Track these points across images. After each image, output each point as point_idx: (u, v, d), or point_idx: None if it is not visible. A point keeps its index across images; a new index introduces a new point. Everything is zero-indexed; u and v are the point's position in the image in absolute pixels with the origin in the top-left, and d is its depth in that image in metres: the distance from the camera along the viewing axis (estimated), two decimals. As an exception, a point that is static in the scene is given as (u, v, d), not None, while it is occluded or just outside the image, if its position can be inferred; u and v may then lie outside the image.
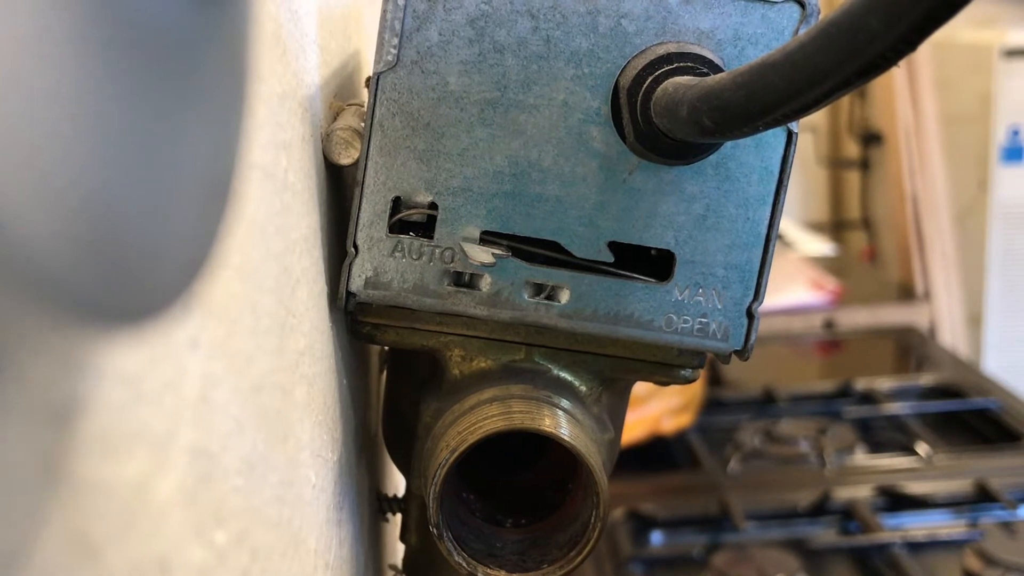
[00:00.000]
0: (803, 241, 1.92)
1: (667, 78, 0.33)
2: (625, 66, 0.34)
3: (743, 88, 0.28)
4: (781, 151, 0.35)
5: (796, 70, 0.25)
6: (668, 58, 0.33)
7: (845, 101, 2.02)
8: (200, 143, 0.12)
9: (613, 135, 0.34)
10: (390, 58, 0.34)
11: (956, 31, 1.76)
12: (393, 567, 0.46)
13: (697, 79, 0.32)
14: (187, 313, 0.19)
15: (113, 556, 0.16)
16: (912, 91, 1.68)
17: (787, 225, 1.98)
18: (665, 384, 0.39)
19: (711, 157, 0.35)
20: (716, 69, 0.33)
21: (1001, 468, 1.14)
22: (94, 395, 0.15)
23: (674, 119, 0.31)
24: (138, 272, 0.11)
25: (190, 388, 0.19)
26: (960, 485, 1.11)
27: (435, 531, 0.35)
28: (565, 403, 0.37)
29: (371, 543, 0.46)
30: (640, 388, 1.18)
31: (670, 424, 1.23)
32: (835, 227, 2.16)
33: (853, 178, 2.09)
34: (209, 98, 0.13)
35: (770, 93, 0.26)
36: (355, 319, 0.37)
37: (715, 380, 1.42)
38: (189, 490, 0.19)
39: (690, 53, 0.33)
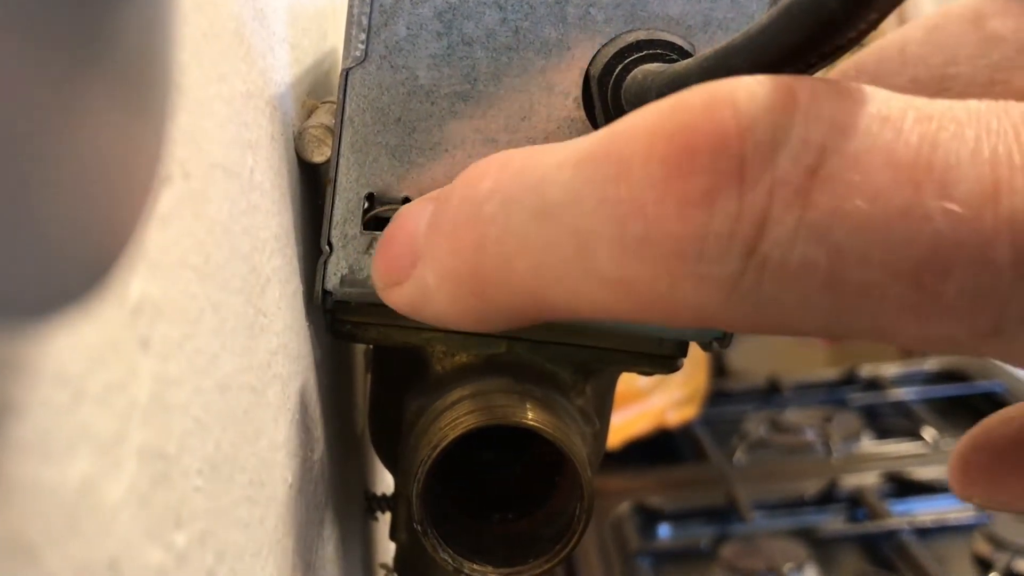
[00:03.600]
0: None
1: (637, 66, 0.33)
2: (595, 55, 0.34)
3: (708, 73, 0.27)
4: (756, 136, 0.35)
5: (759, 53, 0.25)
6: (637, 45, 0.33)
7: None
8: (110, 139, 0.12)
9: (585, 125, 0.34)
10: (358, 53, 0.33)
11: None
12: (384, 566, 0.45)
13: (666, 66, 0.31)
14: (136, 314, 0.19)
15: (54, 558, 0.15)
16: (910, 75, 1.67)
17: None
18: (648, 374, 0.39)
19: (685, 144, 0.34)
20: (686, 55, 0.33)
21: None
22: (29, 397, 0.15)
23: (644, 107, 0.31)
24: (34, 268, 0.11)
25: (140, 389, 0.19)
26: (967, 469, 1.10)
27: (419, 528, 0.35)
28: (548, 396, 0.37)
29: (360, 542, 0.46)
30: (644, 381, 1.18)
31: (675, 416, 1.23)
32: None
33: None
34: (119, 95, 0.12)
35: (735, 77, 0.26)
36: (335, 318, 0.37)
37: (719, 371, 1.42)
38: (142, 492, 0.19)
39: (659, 40, 0.33)
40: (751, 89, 0.20)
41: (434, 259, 0.26)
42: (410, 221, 0.27)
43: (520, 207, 0.23)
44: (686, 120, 0.20)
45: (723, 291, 0.20)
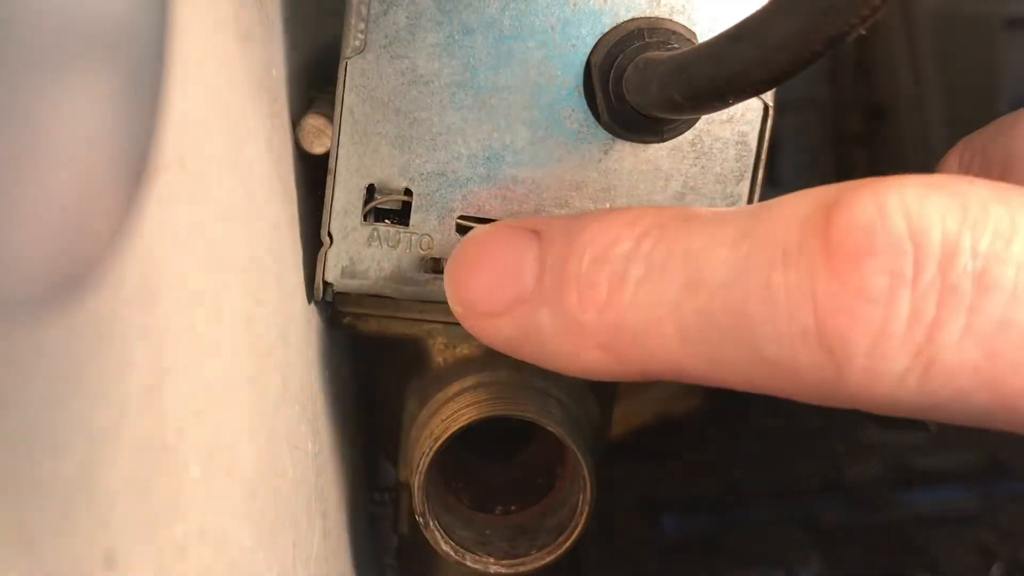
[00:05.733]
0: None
1: (638, 54, 0.32)
2: (596, 43, 0.33)
3: (710, 62, 0.27)
4: (757, 124, 0.35)
5: (761, 41, 0.25)
6: (639, 34, 0.33)
7: (847, 76, 2.00)
8: (107, 128, 0.12)
9: (586, 115, 0.34)
10: (357, 43, 0.33)
11: (958, 1, 1.74)
12: (387, 558, 0.45)
13: (667, 54, 0.31)
14: (133, 304, 0.19)
15: (50, 549, 0.15)
16: (914, 64, 1.66)
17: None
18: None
19: (687, 133, 0.34)
20: (688, 44, 0.32)
21: (1013, 441, 1.12)
22: (24, 388, 0.15)
23: (646, 96, 0.31)
24: (29, 258, 0.11)
25: (137, 381, 0.19)
26: (972, 459, 1.10)
27: (421, 520, 0.35)
28: (549, 388, 0.37)
29: (362, 533, 0.46)
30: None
31: (679, 407, 1.22)
32: (842, 205, 2.14)
33: (859, 154, 2.07)
34: (116, 84, 0.12)
35: (737, 66, 0.26)
36: (335, 309, 0.37)
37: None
38: (139, 482, 0.18)
39: (661, 28, 0.33)
40: (919, 193, 0.22)
41: (557, 305, 0.27)
42: (506, 252, 0.28)
43: (673, 276, 0.24)
44: (860, 221, 0.22)
45: (890, 384, 0.22)
